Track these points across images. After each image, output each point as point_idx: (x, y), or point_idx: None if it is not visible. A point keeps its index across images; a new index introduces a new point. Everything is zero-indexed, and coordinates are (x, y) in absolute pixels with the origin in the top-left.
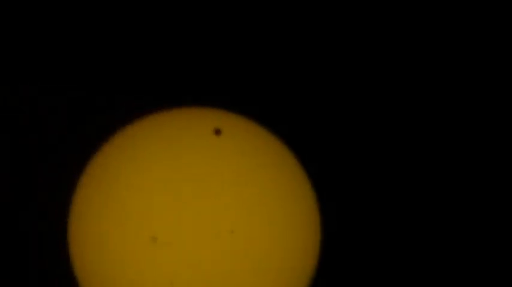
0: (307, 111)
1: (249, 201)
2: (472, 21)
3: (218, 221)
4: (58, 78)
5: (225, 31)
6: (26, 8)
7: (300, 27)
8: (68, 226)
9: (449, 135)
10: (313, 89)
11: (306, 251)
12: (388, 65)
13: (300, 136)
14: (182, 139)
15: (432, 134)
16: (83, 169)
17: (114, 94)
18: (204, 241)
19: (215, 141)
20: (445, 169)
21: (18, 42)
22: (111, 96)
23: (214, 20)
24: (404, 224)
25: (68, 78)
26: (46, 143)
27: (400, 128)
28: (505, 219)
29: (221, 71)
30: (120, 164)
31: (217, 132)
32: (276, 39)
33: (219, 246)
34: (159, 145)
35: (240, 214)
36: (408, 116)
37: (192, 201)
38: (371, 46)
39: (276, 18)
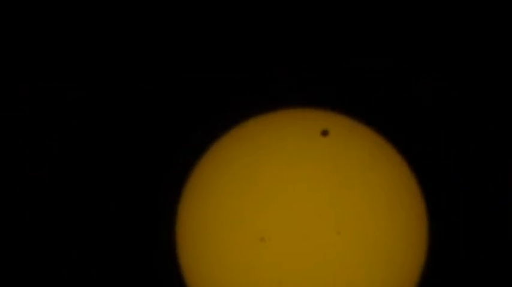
0: (414, 112)
1: (355, 203)
2: None
3: (325, 222)
4: (58, 78)
5: (326, 30)
6: (26, 8)
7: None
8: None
9: None
10: (421, 89)
11: (412, 255)
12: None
13: (408, 138)
14: (288, 141)
15: None
16: (190, 171)
17: (219, 96)
18: (311, 241)
19: (322, 142)
20: None
21: (18, 42)
22: (218, 98)
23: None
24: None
25: (68, 78)
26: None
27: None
28: None
29: (325, 72)
30: (228, 166)
31: (325, 133)
32: (382, 39)
33: (326, 247)
34: (265, 147)
35: (347, 215)
36: None
37: (299, 202)
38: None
39: (379, 16)
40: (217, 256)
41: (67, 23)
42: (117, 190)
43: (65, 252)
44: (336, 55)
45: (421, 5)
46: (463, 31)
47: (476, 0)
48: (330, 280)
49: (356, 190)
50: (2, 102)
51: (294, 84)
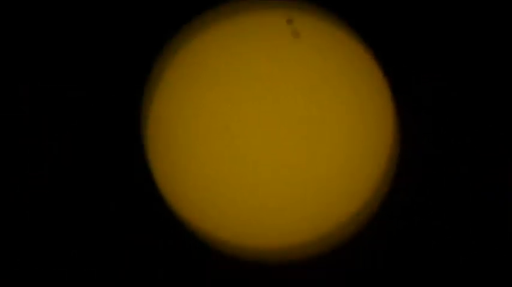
0: (414, 112)
1: (321, 93)
2: None
3: (290, 112)
4: (58, 78)
5: None
6: (25, 8)
7: None
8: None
9: None
10: (421, 89)
11: (380, 151)
12: None
13: (374, 30)
14: (255, 32)
15: None
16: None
17: None
18: (276, 129)
19: (288, 34)
20: None
21: (18, 42)
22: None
23: None
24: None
25: (68, 78)
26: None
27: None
28: None
29: None
30: (194, 62)
31: (289, 21)
32: (383, 39)
33: (292, 135)
34: (232, 38)
35: (312, 99)
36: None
37: (265, 94)
38: None
39: None
40: (184, 146)
41: (67, 23)
42: (117, 190)
43: (65, 252)
44: None
45: (420, 5)
46: (463, 31)
47: (476, 0)
48: (293, 165)
49: (323, 82)
50: (2, 102)
51: None
